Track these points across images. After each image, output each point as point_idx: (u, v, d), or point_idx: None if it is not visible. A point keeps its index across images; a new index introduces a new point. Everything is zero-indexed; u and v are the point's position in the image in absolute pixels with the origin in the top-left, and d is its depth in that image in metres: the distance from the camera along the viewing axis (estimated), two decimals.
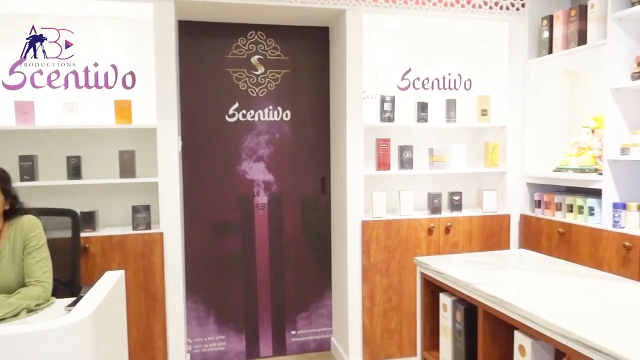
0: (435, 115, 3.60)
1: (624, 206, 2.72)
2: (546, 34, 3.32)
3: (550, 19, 3.29)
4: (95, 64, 3.15)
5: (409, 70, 3.70)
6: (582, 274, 2.04)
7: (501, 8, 3.41)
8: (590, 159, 3.02)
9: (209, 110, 3.46)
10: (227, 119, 3.50)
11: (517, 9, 3.44)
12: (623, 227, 2.72)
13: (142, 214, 3.03)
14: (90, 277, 2.76)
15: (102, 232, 2.96)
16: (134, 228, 3.00)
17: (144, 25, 3.07)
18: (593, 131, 3.09)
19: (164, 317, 3.01)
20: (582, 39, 3.03)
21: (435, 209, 3.45)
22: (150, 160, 3.10)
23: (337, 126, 3.49)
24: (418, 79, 3.72)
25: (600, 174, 2.87)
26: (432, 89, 3.75)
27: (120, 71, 3.20)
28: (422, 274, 2.24)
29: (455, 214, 3.47)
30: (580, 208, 3.00)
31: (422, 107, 3.47)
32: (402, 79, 3.70)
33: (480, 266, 2.20)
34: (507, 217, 3.51)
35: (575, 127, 3.38)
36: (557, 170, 3.24)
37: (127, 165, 3.03)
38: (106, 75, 3.17)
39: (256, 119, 3.55)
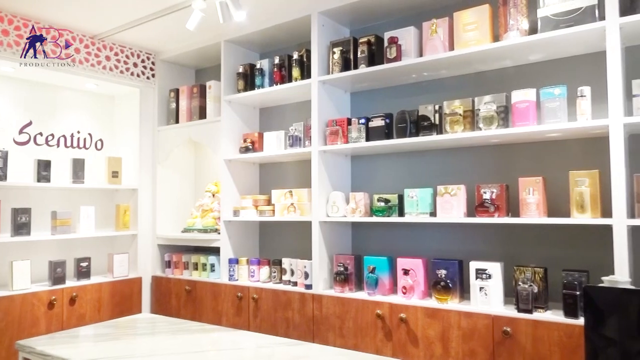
0: (61, 175, 3.30)
1: (236, 261, 3.13)
2: (173, 105, 3.60)
3: (177, 92, 3.60)
4: None
5: (30, 123, 3.31)
6: (198, 330, 2.19)
7: (132, 74, 3.51)
8: (211, 220, 3.37)
9: None
10: None
11: (148, 78, 3.62)
12: (237, 280, 3.11)
13: None
14: None
15: None
16: None
17: None
18: (214, 195, 3.47)
19: None
20: (202, 114, 3.43)
21: (58, 278, 3.09)
22: None
23: None
24: (41, 134, 3.36)
25: (219, 233, 3.23)
26: (58, 146, 3.46)
27: None
28: None
29: (83, 282, 3.21)
30: (204, 265, 3.27)
31: (45, 165, 3.13)
32: (21, 132, 3.27)
33: (98, 338, 2.07)
34: (138, 280, 3.48)
35: (200, 191, 3.72)
36: (185, 231, 3.46)
37: None
38: None
39: None
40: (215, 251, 3.28)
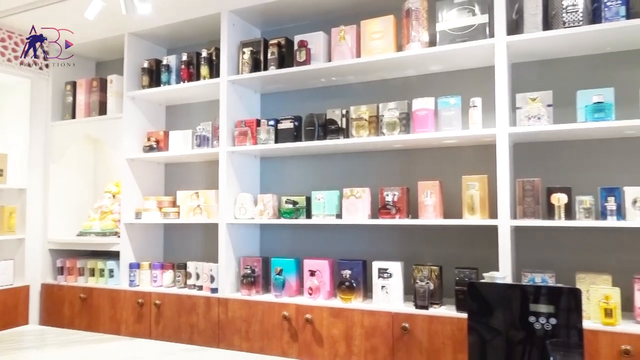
0: None
1: (138, 265, 2.97)
2: (70, 99, 3.34)
3: (74, 85, 3.35)
4: None
5: None
6: (93, 341, 2.04)
7: (22, 64, 3.21)
8: (111, 222, 3.17)
9: None
10: None
11: (41, 69, 3.32)
12: (138, 285, 2.95)
13: None
14: None
15: None
16: None
17: None
18: (114, 196, 3.27)
19: None
20: (102, 109, 3.22)
21: None
22: None
23: None
24: None
25: (119, 236, 3.05)
26: None
27: None
28: None
29: None
30: (102, 271, 3.07)
31: None
32: None
33: None
34: (25, 289, 3.18)
35: (99, 192, 3.49)
36: (81, 234, 3.22)
37: None
38: None
39: None
40: (115, 256, 3.09)
